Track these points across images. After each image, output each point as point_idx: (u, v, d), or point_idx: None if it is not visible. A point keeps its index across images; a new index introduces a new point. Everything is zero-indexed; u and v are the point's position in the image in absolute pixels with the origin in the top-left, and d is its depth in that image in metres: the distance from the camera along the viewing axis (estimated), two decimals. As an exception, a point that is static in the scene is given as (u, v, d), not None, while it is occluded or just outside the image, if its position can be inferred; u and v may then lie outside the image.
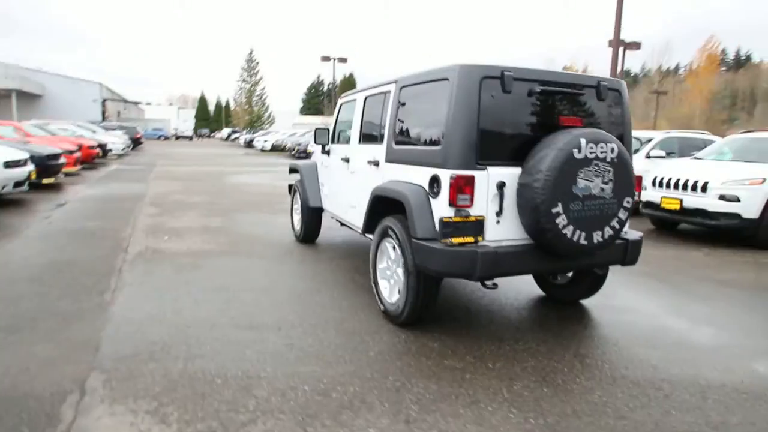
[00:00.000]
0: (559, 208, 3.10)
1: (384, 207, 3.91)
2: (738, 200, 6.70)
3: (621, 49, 22.43)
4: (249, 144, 38.22)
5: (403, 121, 3.85)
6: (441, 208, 3.23)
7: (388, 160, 3.95)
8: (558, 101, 3.44)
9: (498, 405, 2.67)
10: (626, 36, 22.70)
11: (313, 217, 6.14)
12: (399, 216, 3.67)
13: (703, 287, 5.02)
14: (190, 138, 59.95)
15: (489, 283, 3.33)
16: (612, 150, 3.22)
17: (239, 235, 6.77)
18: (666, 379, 3.02)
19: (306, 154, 23.54)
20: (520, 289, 4.69)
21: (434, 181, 3.30)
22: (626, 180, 3.31)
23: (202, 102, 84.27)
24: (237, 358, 3.12)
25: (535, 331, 3.73)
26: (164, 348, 3.23)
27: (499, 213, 3.25)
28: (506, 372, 3.05)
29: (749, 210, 6.67)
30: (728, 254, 6.51)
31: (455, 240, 3.16)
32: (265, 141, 32.87)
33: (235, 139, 48.27)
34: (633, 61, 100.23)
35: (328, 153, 5.44)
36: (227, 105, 79.17)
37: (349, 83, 61.53)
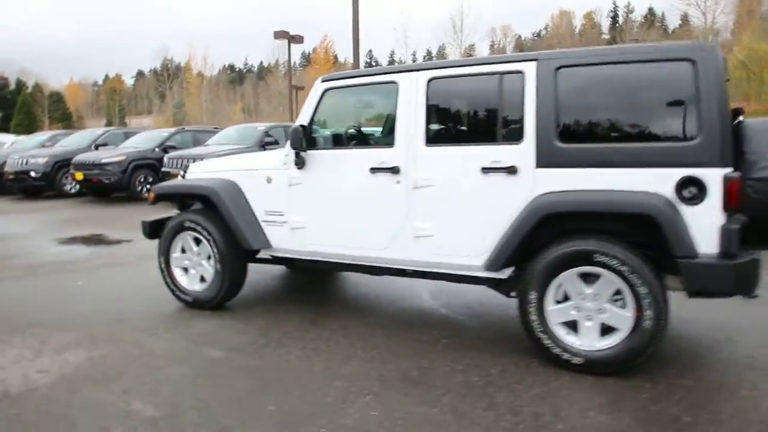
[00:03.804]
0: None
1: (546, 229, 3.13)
2: None
3: (287, 42, 23.64)
4: None
5: (579, 112, 3.12)
6: (709, 215, 2.82)
7: (546, 164, 3.13)
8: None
9: None
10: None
11: (242, 265, 4.29)
12: (601, 236, 3.01)
13: None
14: None
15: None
16: None
17: (77, 320, 4.10)
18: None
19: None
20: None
21: (689, 184, 2.84)
22: None
23: None
24: None
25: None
26: None
27: None
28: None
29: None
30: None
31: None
32: None
33: None
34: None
35: (301, 164, 3.85)
36: None
37: None
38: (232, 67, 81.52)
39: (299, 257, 4.06)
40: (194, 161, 10.59)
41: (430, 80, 3.45)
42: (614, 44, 58.07)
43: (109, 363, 3.40)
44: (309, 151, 3.83)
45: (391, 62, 63.94)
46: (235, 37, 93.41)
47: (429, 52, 63.78)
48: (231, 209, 4.07)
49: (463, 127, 3.48)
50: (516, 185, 3.21)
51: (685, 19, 49.88)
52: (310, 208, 3.89)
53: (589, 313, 3.09)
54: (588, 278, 3.08)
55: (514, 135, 3.23)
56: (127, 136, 13.60)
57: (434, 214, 3.46)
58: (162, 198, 4.56)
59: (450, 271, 3.53)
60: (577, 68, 3.10)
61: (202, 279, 4.36)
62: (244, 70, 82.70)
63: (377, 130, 3.84)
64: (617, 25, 60.54)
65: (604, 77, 3.06)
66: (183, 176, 4.60)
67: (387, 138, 3.66)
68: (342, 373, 3.18)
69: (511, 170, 3.20)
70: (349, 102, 4.01)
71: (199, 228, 4.22)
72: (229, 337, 3.78)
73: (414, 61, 53.84)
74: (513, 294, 3.46)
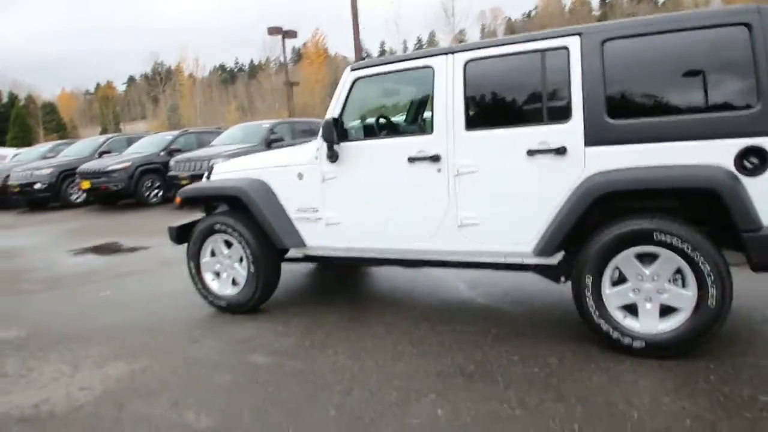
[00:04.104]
0: None
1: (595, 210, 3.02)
2: None
3: (280, 37, 23.40)
4: None
5: (628, 86, 2.99)
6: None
7: (596, 142, 3.00)
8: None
9: None
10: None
11: (276, 265, 4.19)
12: (657, 214, 2.90)
13: None
14: None
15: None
16: None
17: (110, 331, 3.99)
18: None
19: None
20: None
21: (750, 154, 2.72)
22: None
23: None
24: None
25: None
26: None
27: None
28: None
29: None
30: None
31: None
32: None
33: None
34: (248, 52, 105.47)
35: (334, 158, 3.72)
36: None
37: None
38: (222, 68, 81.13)
39: (336, 254, 3.95)
40: (204, 163, 10.50)
41: (467, 62, 3.32)
42: (605, 21, 57.69)
43: (152, 374, 3.29)
44: (342, 144, 3.70)
45: (383, 52, 63.64)
46: (224, 38, 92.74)
47: (419, 40, 63.38)
48: (263, 209, 3.94)
49: (506, 109, 3.34)
50: (565, 166, 3.08)
51: (675, -8, 49.50)
52: (346, 203, 3.76)
53: (648, 295, 2.97)
54: (644, 258, 2.97)
55: (561, 114, 3.10)
56: (130, 142, 13.44)
57: (479, 202, 3.34)
58: (189, 201, 4.43)
59: (497, 259, 3.42)
60: (623, 40, 2.97)
61: (234, 282, 4.24)
62: (235, 70, 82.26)
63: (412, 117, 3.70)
64: (606, 1, 60.08)
65: (653, 48, 2.92)
66: (208, 177, 4.47)
67: (424, 125, 3.53)
68: (397, 372, 3.08)
69: (560, 151, 3.08)
70: (381, 90, 3.87)
71: (230, 230, 4.10)
72: (272, 340, 3.67)
73: (405, 50, 53.15)
74: (562, 279, 3.36)
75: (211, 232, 4.21)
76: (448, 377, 2.97)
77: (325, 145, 3.71)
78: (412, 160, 3.47)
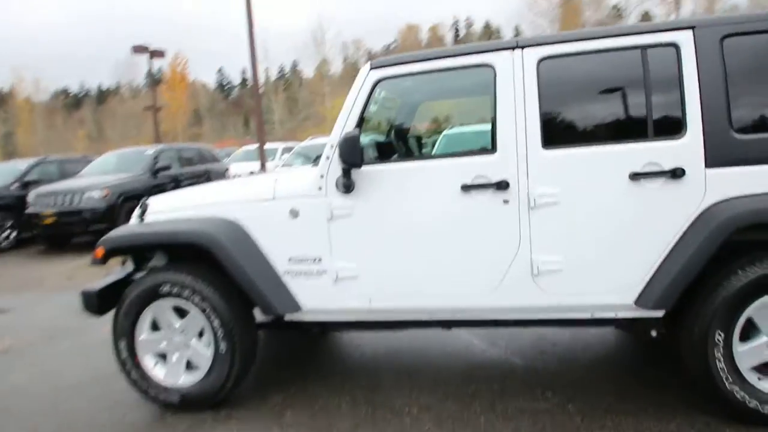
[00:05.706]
0: None
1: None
2: None
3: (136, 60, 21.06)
4: None
5: (757, 92, 2.37)
6: None
7: (719, 162, 2.35)
8: None
9: None
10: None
11: (255, 335, 3.00)
12: None
13: None
14: None
15: None
16: None
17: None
18: None
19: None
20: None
21: None
22: None
23: None
24: None
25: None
26: None
27: None
28: None
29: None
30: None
31: None
32: None
33: None
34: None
35: (350, 186, 2.68)
36: None
37: None
38: (66, 92, 72.69)
39: (348, 318, 2.87)
40: (76, 196, 8.50)
41: (541, 60, 2.51)
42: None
43: None
44: (363, 168, 2.67)
45: (244, 81, 61.54)
46: (66, 60, 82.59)
47: (282, 69, 62.35)
48: (242, 262, 2.75)
49: (597, 122, 2.58)
50: (681, 192, 2.39)
51: (517, 31, 54.40)
52: (368, 249, 2.72)
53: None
54: None
55: (673, 127, 2.41)
56: (-35, 174, 10.75)
57: (563, 241, 2.52)
58: (116, 253, 3.06)
59: (582, 315, 2.61)
60: (747, 37, 2.37)
61: (191, 366, 2.96)
62: (81, 95, 74.23)
63: (467, 130, 2.78)
64: (458, 37, 64.24)
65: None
66: (141, 218, 3.13)
67: (482, 142, 2.65)
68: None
69: (676, 173, 2.37)
70: (415, 95, 2.92)
71: (186, 293, 2.83)
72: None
73: (267, 78, 51.09)
74: (653, 333, 2.65)
75: (153, 296, 2.90)
76: (577, 492, 2.07)
77: (339, 170, 2.66)
78: (467, 188, 2.56)
